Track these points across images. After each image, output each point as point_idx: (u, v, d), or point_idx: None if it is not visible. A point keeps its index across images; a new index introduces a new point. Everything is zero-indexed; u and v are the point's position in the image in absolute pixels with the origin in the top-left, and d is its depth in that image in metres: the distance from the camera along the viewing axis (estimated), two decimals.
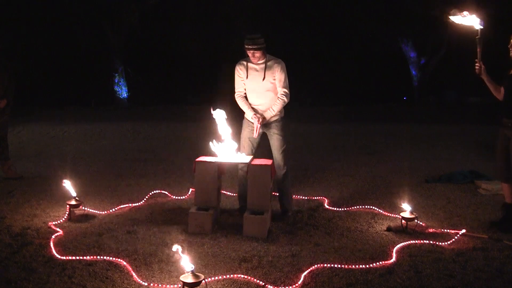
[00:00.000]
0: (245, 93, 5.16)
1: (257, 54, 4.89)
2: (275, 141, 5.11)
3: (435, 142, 10.02)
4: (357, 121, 13.57)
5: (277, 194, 5.26)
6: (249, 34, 4.90)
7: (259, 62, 4.99)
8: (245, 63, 5.05)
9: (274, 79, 4.99)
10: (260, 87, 5.03)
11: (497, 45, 4.79)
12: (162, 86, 19.64)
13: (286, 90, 5.00)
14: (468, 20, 4.57)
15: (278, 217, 5.00)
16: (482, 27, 4.56)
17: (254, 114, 5.01)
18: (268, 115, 5.01)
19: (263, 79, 4.97)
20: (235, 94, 5.17)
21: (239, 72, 5.10)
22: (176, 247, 3.34)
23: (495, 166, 4.95)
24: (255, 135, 5.04)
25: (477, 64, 4.64)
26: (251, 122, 5.11)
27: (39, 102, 16.38)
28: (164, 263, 3.91)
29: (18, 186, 6.27)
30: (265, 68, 4.96)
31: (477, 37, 4.60)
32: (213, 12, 19.75)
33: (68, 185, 5.19)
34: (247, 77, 5.04)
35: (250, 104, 5.11)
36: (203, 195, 4.86)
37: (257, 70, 5.01)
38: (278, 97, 5.01)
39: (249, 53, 4.91)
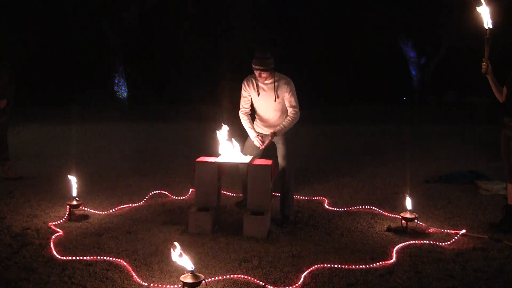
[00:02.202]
0: (250, 110, 5.08)
1: (264, 74, 4.76)
2: (280, 148, 5.06)
3: (435, 142, 10.02)
4: (357, 121, 13.56)
5: (279, 195, 5.21)
6: (258, 52, 4.72)
7: (266, 82, 4.87)
8: (253, 80, 4.94)
9: (283, 99, 4.91)
10: (270, 107, 4.96)
11: (504, 44, 4.78)
12: (162, 86, 19.64)
13: (296, 109, 4.90)
14: (483, 13, 4.54)
15: (279, 223, 4.95)
16: (491, 27, 4.55)
17: (257, 135, 4.98)
18: (280, 132, 4.90)
19: (275, 100, 4.89)
20: (240, 111, 5.09)
21: (246, 88, 4.99)
22: (175, 246, 3.33)
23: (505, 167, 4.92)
24: (262, 146, 4.98)
25: (484, 63, 4.63)
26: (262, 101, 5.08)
27: (39, 102, 16.37)
28: (164, 263, 3.91)
29: (18, 186, 6.27)
30: (275, 89, 4.85)
31: (485, 36, 4.59)
32: (213, 12, 19.77)
33: (73, 181, 5.18)
34: (258, 95, 4.94)
35: (253, 124, 5.07)
36: (203, 195, 4.86)
37: (265, 90, 4.91)
38: (289, 115, 4.92)
39: (256, 73, 4.78)
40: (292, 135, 5.09)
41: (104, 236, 4.54)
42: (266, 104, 4.97)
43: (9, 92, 6.44)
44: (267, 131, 5.09)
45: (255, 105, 5.07)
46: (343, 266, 3.91)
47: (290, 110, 4.93)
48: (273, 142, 5.09)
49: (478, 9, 4.50)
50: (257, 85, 4.93)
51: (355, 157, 8.57)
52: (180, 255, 3.27)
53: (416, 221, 4.77)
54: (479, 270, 3.84)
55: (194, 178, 4.93)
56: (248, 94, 5.02)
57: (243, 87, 5.03)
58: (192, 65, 19.69)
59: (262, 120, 5.10)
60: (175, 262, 3.29)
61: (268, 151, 5.14)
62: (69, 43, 18.59)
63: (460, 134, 10.97)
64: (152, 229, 4.74)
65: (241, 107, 5.10)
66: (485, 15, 4.52)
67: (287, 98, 4.89)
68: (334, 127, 12.37)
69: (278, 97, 4.88)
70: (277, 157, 5.11)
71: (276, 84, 4.86)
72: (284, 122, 4.93)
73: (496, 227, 4.78)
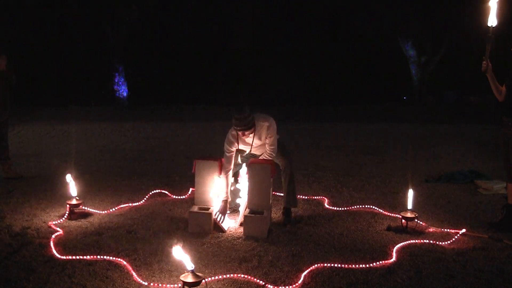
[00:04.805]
0: (232, 168, 4.97)
1: (247, 132, 4.75)
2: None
3: (435, 142, 10.02)
4: (357, 121, 13.57)
5: (279, 194, 5.19)
6: (236, 113, 4.66)
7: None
8: (234, 135, 4.86)
9: (264, 137, 4.89)
10: (249, 147, 5.00)
11: (505, 43, 4.77)
12: (162, 85, 19.65)
13: (273, 147, 4.89)
14: (491, 10, 4.53)
15: (282, 223, 4.95)
16: (494, 26, 4.54)
17: (224, 201, 4.87)
18: None
19: (254, 143, 4.91)
20: (222, 169, 4.92)
21: (230, 147, 4.89)
22: (177, 247, 3.33)
23: (503, 167, 4.93)
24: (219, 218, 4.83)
25: (484, 61, 4.63)
26: (243, 145, 5.04)
27: (39, 102, 16.39)
28: (164, 263, 3.91)
29: (18, 186, 6.27)
30: (260, 136, 4.87)
31: (488, 34, 4.58)
32: (213, 12, 19.78)
33: (71, 182, 5.18)
34: (242, 142, 4.93)
35: (229, 186, 4.97)
36: (203, 195, 4.86)
37: (246, 139, 4.90)
38: (266, 152, 4.91)
39: (239, 133, 4.75)
40: (274, 129, 5.05)
41: (104, 235, 4.54)
42: (247, 146, 5.01)
43: (9, 90, 6.43)
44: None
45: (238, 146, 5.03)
46: (343, 265, 3.91)
47: (267, 147, 4.92)
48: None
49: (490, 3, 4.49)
50: (238, 137, 4.88)
51: (355, 157, 8.57)
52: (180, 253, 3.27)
53: (416, 220, 4.76)
54: (479, 270, 3.84)
55: (194, 178, 4.94)
56: (233, 150, 4.93)
57: (227, 145, 4.90)
58: (192, 64, 19.70)
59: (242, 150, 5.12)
60: (176, 258, 3.29)
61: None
62: (69, 42, 18.60)
63: (460, 134, 10.97)
64: (152, 229, 4.74)
65: (224, 165, 4.92)
66: (492, 12, 4.52)
67: (267, 138, 4.89)
68: (334, 127, 12.38)
69: (261, 142, 4.92)
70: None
71: (259, 133, 4.86)
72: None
73: (496, 227, 4.78)
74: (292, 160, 5.12)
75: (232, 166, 4.97)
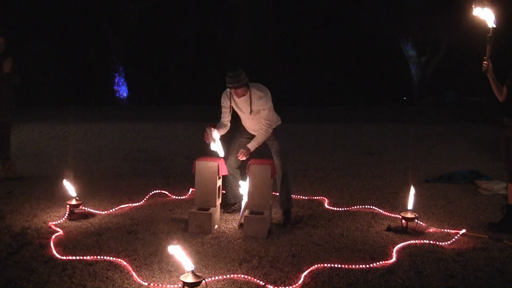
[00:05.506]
0: (228, 123, 5.07)
1: (239, 90, 4.78)
2: (273, 146, 5.08)
3: (435, 142, 10.02)
4: (357, 121, 13.56)
5: (277, 194, 5.21)
6: (229, 71, 4.72)
7: (241, 97, 4.88)
8: (230, 93, 4.93)
9: (259, 110, 4.91)
10: (247, 117, 5.02)
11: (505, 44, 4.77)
12: (162, 86, 19.65)
13: (268, 122, 4.92)
14: (485, 14, 4.53)
15: (282, 223, 4.96)
16: (495, 26, 4.55)
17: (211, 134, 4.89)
18: (253, 147, 4.94)
19: (250, 112, 4.91)
20: (219, 123, 5.07)
21: (224, 101, 5.00)
22: (173, 248, 3.32)
23: (503, 167, 4.94)
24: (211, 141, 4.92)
25: (485, 62, 4.63)
26: (245, 128, 5.13)
27: (39, 102, 16.38)
28: (164, 263, 3.91)
29: (18, 186, 6.27)
30: (251, 103, 4.87)
31: (488, 35, 4.58)
32: (213, 11, 19.78)
33: (68, 185, 5.18)
34: (236, 106, 4.97)
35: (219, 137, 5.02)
36: (203, 195, 4.86)
37: (241, 102, 4.93)
38: (261, 129, 4.93)
39: (231, 90, 4.81)
40: (281, 131, 5.11)
41: (104, 236, 4.54)
42: (244, 114, 5.03)
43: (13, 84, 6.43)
44: (249, 133, 5.16)
45: (237, 112, 5.09)
46: (343, 265, 3.91)
47: (263, 122, 4.94)
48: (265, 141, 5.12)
49: (482, 9, 4.50)
50: (234, 98, 4.93)
51: (355, 157, 8.57)
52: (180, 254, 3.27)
53: (416, 220, 4.76)
54: (479, 270, 3.84)
55: (194, 178, 4.94)
56: (227, 105, 5.01)
57: (222, 100, 5.02)
58: (192, 64, 19.70)
59: (244, 124, 5.16)
60: (175, 258, 3.29)
61: (262, 150, 5.15)
62: (69, 42, 18.61)
63: (460, 134, 10.97)
64: (152, 229, 4.74)
65: (221, 119, 5.09)
66: (489, 14, 4.51)
67: (261, 111, 4.90)
68: (334, 127, 12.38)
69: (252, 110, 4.90)
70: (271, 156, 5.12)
71: (250, 98, 4.87)
72: (257, 137, 4.95)
73: (496, 227, 4.78)
74: (286, 160, 5.07)
75: (227, 119, 5.04)
